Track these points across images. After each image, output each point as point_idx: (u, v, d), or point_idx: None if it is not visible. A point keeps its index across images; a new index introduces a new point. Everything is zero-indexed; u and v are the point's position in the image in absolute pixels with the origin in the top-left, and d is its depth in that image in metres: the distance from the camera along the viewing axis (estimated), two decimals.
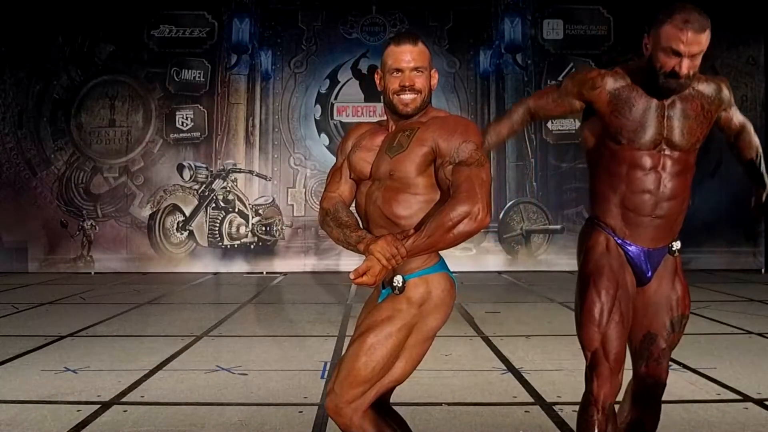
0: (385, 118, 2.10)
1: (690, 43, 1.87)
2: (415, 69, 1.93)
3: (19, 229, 9.35)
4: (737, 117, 2.20)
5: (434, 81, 1.99)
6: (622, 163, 2.04)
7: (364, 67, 9.41)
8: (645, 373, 2.11)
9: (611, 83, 2.04)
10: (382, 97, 2.02)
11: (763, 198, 2.20)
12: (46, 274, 9.02)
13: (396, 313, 1.86)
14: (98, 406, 3.19)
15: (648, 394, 2.13)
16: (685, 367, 3.89)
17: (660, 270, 2.12)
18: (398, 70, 1.93)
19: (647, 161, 2.02)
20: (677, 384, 3.55)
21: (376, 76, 2.03)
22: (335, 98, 9.45)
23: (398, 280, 1.87)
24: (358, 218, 2.04)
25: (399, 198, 1.90)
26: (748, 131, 2.23)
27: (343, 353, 1.94)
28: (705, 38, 1.89)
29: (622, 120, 2.02)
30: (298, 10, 9.49)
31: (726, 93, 2.12)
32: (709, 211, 9.14)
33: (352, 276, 1.76)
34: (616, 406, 2.16)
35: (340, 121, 9.36)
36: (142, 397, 3.37)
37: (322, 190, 2.13)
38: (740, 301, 6.45)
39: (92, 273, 9.19)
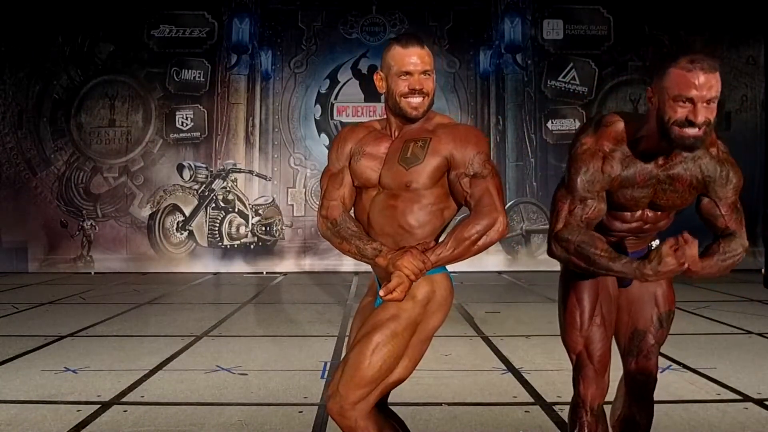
0: (380, 118, 2.08)
1: (702, 85, 1.68)
2: (424, 72, 1.90)
3: (19, 229, 9.35)
4: (724, 222, 1.93)
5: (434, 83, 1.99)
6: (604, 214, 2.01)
7: (364, 67, 9.41)
8: (635, 370, 2.13)
9: (618, 166, 1.90)
10: (384, 99, 1.98)
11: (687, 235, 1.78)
12: (46, 274, 9.02)
13: (401, 312, 1.85)
14: (98, 406, 3.19)
15: (640, 390, 2.14)
16: (685, 367, 3.89)
17: None
18: (407, 73, 1.89)
19: (628, 217, 2.01)
20: (677, 384, 3.56)
21: (376, 77, 1.98)
22: (335, 98, 9.45)
23: None
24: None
25: (414, 208, 1.90)
26: (730, 238, 1.92)
27: (344, 353, 1.93)
28: (717, 81, 1.70)
29: (621, 199, 1.95)
30: (298, 10, 9.49)
31: (723, 179, 1.89)
32: None
33: (382, 293, 1.78)
34: (608, 407, 2.16)
35: (340, 121, 9.36)
36: (142, 397, 3.37)
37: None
38: (740, 301, 6.45)
39: (92, 273, 9.19)
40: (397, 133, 1.99)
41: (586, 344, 2.04)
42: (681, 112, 1.72)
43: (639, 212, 2.00)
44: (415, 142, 1.92)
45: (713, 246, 1.92)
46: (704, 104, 1.70)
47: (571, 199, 1.93)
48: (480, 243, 1.83)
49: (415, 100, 1.91)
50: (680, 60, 1.72)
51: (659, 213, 2.01)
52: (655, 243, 2.14)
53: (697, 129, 1.72)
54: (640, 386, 2.13)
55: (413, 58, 1.89)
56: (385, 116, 2.04)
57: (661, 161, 1.89)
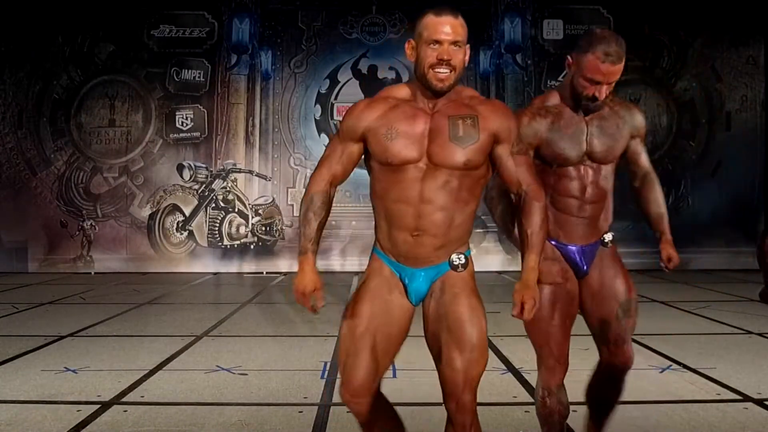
0: (400, 84, 2.08)
1: (608, 73, 2.07)
2: (454, 42, 1.86)
3: (19, 229, 9.34)
4: (644, 159, 2.36)
5: (467, 57, 1.93)
6: (551, 175, 2.25)
7: (364, 67, 9.41)
8: (608, 358, 2.31)
9: (544, 124, 2.21)
10: (414, 69, 1.94)
11: (665, 256, 2.30)
12: (46, 274, 9.02)
13: (473, 290, 2.11)
14: (98, 406, 3.19)
15: (614, 374, 2.33)
16: (685, 367, 3.89)
17: (597, 262, 2.30)
18: (437, 41, 1.85)
19: (572, 172, 2.24)
20: (677, 384, 3.56)
21: (407, 45, 1.94)
22: (335, 98, 9.45)
23: (460, 258, 2.05)
24: (388, 206, 1.99)
25: (471, 184, 1.97)
26: (653, 182, 2.35)
27: (442, 345, 2.07)
28: (622, 66, 2.10)
29: (555, 150, 2.20)
30: (298, 10, 9.49)
31: (639, 120, 2.30)
32: (709, 211, 9.12)
33: (516, 313, 2.07)
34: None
35: (340, 122, 9.34)
36: (142, 397, 3.37)
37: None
38: (740, 301, 6.45)
39: (92, 273, 9.18)
40: (431, 106, 1.95)
41: (547, 340, 2.27)
42: (589, 89, 2.11)
43: (579, 168, 2.23)
44: (462, 119, 1.91)
45: (660, 226, 2.34)
46: (607, 84, 2.11)
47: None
48: (545, 222, 2.04)
49: (443, 72, 1.87)
50: (597, 48, 2.05)
51: (598, 169, 2.23)
52: (608, 236, 2.31)
53: (599, 101, 2.14)
54: (615, 371, 2.31)
55: (446, 27, 1.85)
56: (401, 83, 2.07)
57: (587, 117, 2.22)
